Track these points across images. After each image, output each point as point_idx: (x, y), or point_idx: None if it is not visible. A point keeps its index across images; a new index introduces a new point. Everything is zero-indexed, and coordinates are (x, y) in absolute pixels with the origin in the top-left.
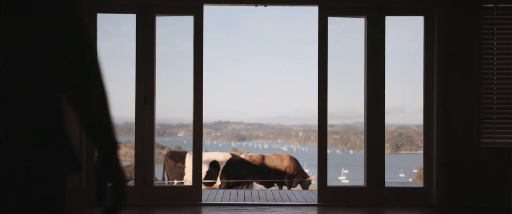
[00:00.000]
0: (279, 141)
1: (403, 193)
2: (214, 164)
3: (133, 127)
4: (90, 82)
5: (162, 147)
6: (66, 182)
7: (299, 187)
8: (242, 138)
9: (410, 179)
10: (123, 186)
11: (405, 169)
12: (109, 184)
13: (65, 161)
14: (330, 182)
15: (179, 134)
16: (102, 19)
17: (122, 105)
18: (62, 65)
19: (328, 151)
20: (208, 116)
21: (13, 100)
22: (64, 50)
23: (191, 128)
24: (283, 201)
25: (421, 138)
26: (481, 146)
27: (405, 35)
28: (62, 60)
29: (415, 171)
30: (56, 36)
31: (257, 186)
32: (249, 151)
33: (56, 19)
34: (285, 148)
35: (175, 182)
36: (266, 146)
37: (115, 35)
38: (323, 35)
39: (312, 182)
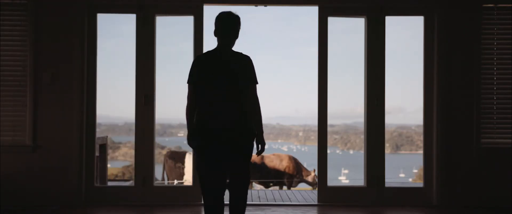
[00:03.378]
0: (279, 141)
1: (403, 193)
2: None
3: (133, 127)
4: (253, 99)
5: (162, 147)
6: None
7: (299, 186)
8: None
9: (410, 179)
10: (263, 145)
11: (405, 169)
12: (259, 145)
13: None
14: (330, 182)
15: (179, 134)
16: (102, 19)
17: (122, 105)
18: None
19: (328, 151)
20: None
21: (234, 104)
22: (246, 87)
23: None
24: (283, 201)
25: (421, 138)
26: (481, 146)
27: (405, 35)
28: (244, 91)
29: (415, 171)
30: (245, 80)
31: (256, 186)
32: None
33: (247, 72)
34: (285, 148)
35: (175, 182)
36: (266, 146)
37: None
38: (323, 35)
39: (309, 179)
